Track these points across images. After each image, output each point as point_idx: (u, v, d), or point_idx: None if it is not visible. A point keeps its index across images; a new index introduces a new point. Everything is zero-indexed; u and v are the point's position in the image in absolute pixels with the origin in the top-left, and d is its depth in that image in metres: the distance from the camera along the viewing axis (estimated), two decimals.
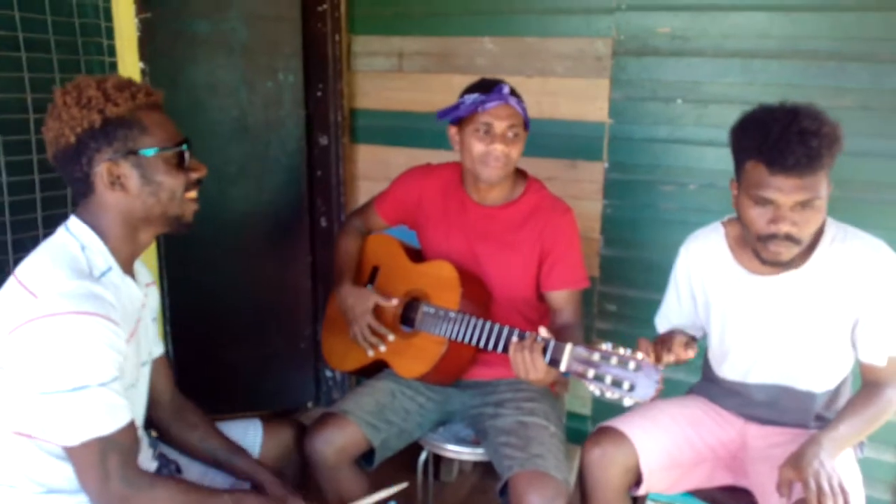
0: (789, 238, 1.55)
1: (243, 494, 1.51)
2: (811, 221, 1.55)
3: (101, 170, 1.34)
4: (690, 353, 1.70)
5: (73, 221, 1.39)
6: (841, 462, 1.59)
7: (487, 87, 1.88)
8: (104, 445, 1.28)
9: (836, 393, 1.78)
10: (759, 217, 1.57)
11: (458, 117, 1.92)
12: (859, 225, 1.72)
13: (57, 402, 1.25)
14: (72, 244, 1.36)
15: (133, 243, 1.43)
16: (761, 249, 1.61)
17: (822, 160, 1.50)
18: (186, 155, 1.42)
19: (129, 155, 1.35)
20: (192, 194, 1.45)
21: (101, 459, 1.29)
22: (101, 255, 1.37)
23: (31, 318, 1.25)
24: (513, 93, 1.88)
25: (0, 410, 1.33)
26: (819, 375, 1.74)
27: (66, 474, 1.35)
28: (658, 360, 1.66)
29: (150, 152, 1.36)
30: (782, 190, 1.52)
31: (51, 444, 1.33)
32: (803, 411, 1.77)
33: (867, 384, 1.70)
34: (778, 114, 1.54)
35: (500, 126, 1.85)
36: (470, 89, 1.92)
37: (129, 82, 1.38)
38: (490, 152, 1.86)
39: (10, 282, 1.33)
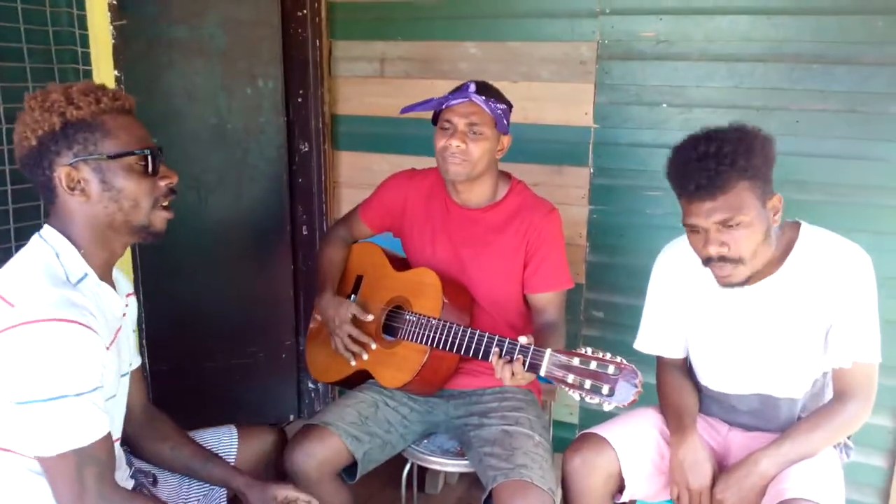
0: (724, 259, 1.57)
1: None
2: (741, 240, 1.54)
3: (59, 173, 1.31)
4: None
5: (46, 229, 1.36)
6: (818, 466, 1.60)
7: (459, 88, 1.91)
8: (80, 458, 1.25)
9: (818, 394, 1.77)
10: (695, 243, 1.61)
11: (434, 116, 1.96)
12: (845, 228, 1.72)
13: (33, 411, 1.21)
14: (46, 252, 1.33)
15: (106, 250, 1.39)
16: (713, 275, 1.63)
17: (727, 178, 1.50)
18: (150, 160, 1.36)
19: (89, 159, 1.31)
20: (164, 203, 1.41)
21: (78, 473, 1.25)
22: (75, 262, 1.34)
23: (8, 325, 1.21)
24: (483, 91, 1.88)
25: None
26: (799, 382, 1.74)
27: (45, 490, 1.31)
28: None
29: (108, 156, 1.32)
30: (699, 215, 1.55)
31: (29, 458, 1.29)
32: (787, 417, 1.76)
33: (835, 396, 1.70)
34: (687, 142, 1.58)
35: (460, 122, 1.87)
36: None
37: (97, 87, 1.35)
38: (447, 147, 1.87)
39: None
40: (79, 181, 1.32)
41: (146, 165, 1.36)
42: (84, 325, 1.24)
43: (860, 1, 2.13)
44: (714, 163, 1.50)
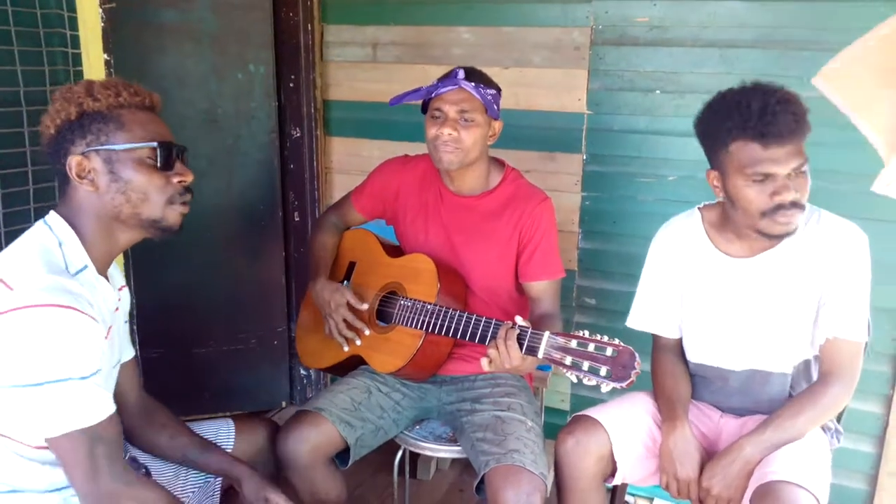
0: (795, 205, 1.57)
1: None
2: (806, 186, 1.60)
3: (71, 161, 1.33)
4: None
5: (52, 216, 1.37)
6: (805, 450, 1.62)
7: (448, 74, 1.89)
8: (90, 437, 1.26)
9: (809, 374, 1.78)
10: (759, 194, 1.58)
11: (423, 105, 1.95)
12: (839, 215, 1.72)
13: (36, 394, 1.22)
14: (49, 239, 1.34)
15: (109, 243, 1.40)
16: (769, 225, 1.60)
17: (806, 124, 1.55)
18: (160, 155, 1.37)
19: (100, 149, 1.33)
20: (180, 199, 1.42)
21: (89, 453, 1.26)
22: (77, 253, 1.35)
23: (7, 308, 1.22)
24: (472, 77, 1.87)
25: None
26: (791, 355, 1.75)
27: (34, 475, 1.32)
28: None
29: (118, 147, 1.34)
30: (778, 161, 1.54)
31: (20, 444, 1.30)
32: (778, 394, 1.78)
33: (819, 377, 1.71)
34: (750, 92, 1.58)
35: (451, 110, 1.86)
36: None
37: (119, 82, 1.38)
38: (439, 136, 1.86)
39: None
40: (89, 171, 1.34)
41: (157, 160, 1.37)
42: (81, 311, 1.24)
43: None
44: (798, 108, 1.54)
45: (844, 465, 2.28)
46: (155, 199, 1.38)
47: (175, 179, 1.40)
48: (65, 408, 1.24)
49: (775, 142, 1.53)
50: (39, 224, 1.36)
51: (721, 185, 1.66)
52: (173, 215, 1.41)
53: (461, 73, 1.86)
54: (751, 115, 1.54)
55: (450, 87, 1.85)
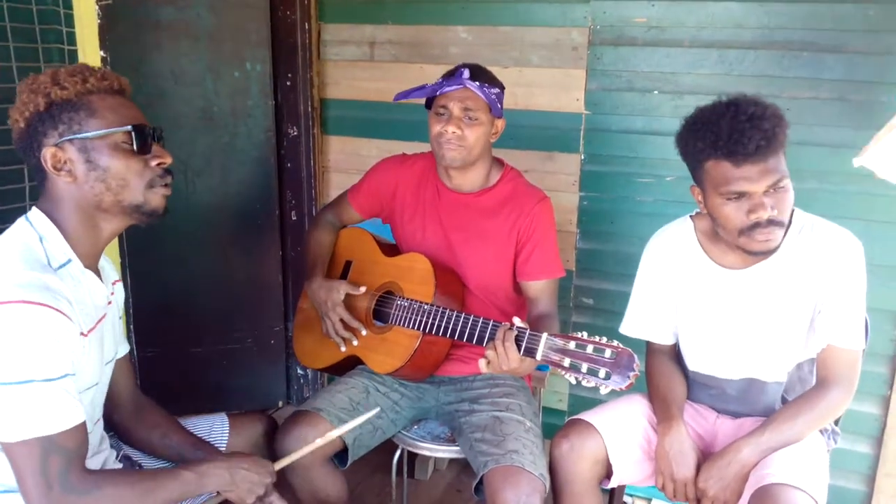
0: (772, 222, 1.55)
1: (208, 465, 1.44)
2: (785, 201, 1.57)
3: (45, 153, 1.30)
4: None
5: (34, 212, 1.34)
6: (802, 452, 1.61)
7: (452, 73, 1.90)
8: (45, 447, 1.20)
9: (805, 379, 1.78)
10: (735, 212, 1.57)
11: (427, 101, 1.95)
12: (835, 216, 1.72)
13: None
14: (30, 235, 1.31)
15: (93, 235, 1.37)
16: (747, 243, 1.59)
17: (778, 139, 1.53)
18: (135, 138, 1.33)
19: (74, 139, 1.30)
20: (161, 184, 1.38)
21: (42, 463, 1.20)
22: (59, 247, 1.32)
23: None
24: (477, 76, 1.88)
25: None
26: (787, 365, 1.75)
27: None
28: None
29: (92, 134, 1.30)
30: (751, 179, 1.53)
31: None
32: (773, 401, 1.78)
33: (817, 382, 1.71)
34: (720, 109, 1.56)
35: (455, 108, 1.86)
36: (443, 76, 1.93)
37: (86, 68, 1.34)
38: (443, 133, 1.87)
39: None
40: (65, 162, 1.31)
41: (133, 144, 1.34)
42: (55, 308, 1.21)
43: None
44: (769, 123, 1.51)
45: (842, 466, 2.28)
46: (135, 183, 1.34)
47: (153, 162, 1.37)
48: (23, 413, 1.18)
49: (746, 160, 1.51)
50: (20, 220, 1.34)
51: (703, 201, 1.66)
52: (155, 199, 1.38)
53: (466, 73, 1.86)
54: (720, 135, 1.53)
55: (455, 86, 1.86)
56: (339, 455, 1.87)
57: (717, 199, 1.58)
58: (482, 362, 1.64)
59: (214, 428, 1.70)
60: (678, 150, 1.68)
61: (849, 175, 2.19)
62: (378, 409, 1.77)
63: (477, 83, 1.85)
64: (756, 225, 1.55)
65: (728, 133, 1.51)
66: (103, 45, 2.39)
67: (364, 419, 1.66)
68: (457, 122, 1.85)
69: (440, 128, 1.87)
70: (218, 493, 1.49)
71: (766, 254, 1.64)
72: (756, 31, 2.24)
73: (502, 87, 1.94)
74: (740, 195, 1.54)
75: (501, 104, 1.92)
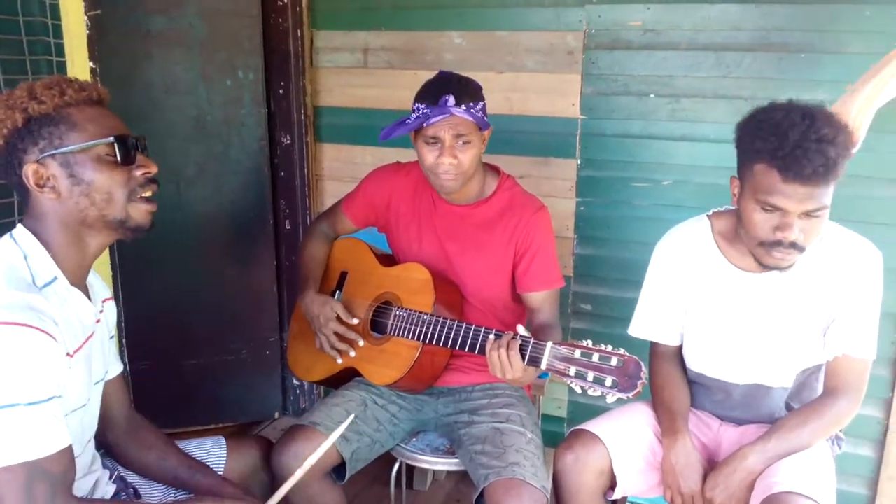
0: (794, 246, 1.51)
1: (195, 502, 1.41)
2: (815, 230, 1.52)
3: (27, 171, 1.26)
4: None
5: (19, 229, 1.31)
6: (809, 459, 1.60)
7: (434, 98, 1.79)
8: (30, 472, 1.15)
9: (810, 385, 1.76)
10: (763, 222, 1.52)
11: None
12: (835, 218, 1.67)
13: None
14: (14, 253, 1.27)
15: (80, 252, 1.33)
16: (762, 255, 1.56)
17: (837, 170, 1.46)
18: (118, 149, 1.30)
19: (55, 153, 1.26)
20: (145, 194, 1.34)
21: (26, 489, 1.15)
22: (44, 265, 1.29)
23: None
24: (461, 99, 1.78)
25: None
26: (795, 372, 1.73)
27: None
28: None
29: (74, 148, 1.27)
30: (793, 198, 1.47)
31: None
32: (777, 407, 1.77)
33: (826, 391, 1.69)
34: (795, 116, 1.47)
35: (447, 138, 1.79)
36: (418, 96, 1.84)
37: (63, 80, 1.29)
38: (439, 164, 1.81)
39: None
40: (47, 178, 1.27)
41: (119, 155, 1.30)
42: (40, 329, 1.17)
43: None
44: (833, 150, 1.43)
45: (845, 470, 2.26)
46: (118, 196, 1.31)
47: (138, 172, 1.33)
48: (7, 437, 1.14)
49: (797, 180, 1.44)
50: (5, 238, 1.30)
51: (737, 195, 1.61)
52: (139, 214, 1.34)
53: (451, 100, 1.77)
54: (783, 144, 1.45)
55: (442, 116, 1.77)
56: (337, 469, 1.85)
57: (752, 202, 1.53)
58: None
59: (213, 450, 1.66)
60: (735, 137, 1.60)
61: (848, 177, 2.16)
62: (353, 417, 1.72)
63: (463, 107, 1.78)
64: (778, 243, 1.51)
65: (792, 147, 1.43)
66: (92, 56, 2.36)
67: (344, 427, 1.60)
68: (450, 151, 1.80)
69: (434, 159, 1.81)
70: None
71: (772, 269, 1.61)
72: (753, 34, 2.22)
73: (482, 96, 1.86)
74: (775, 209, 1.50)
75: (486, 113, 1.86)
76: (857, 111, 1.79)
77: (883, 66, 1.81)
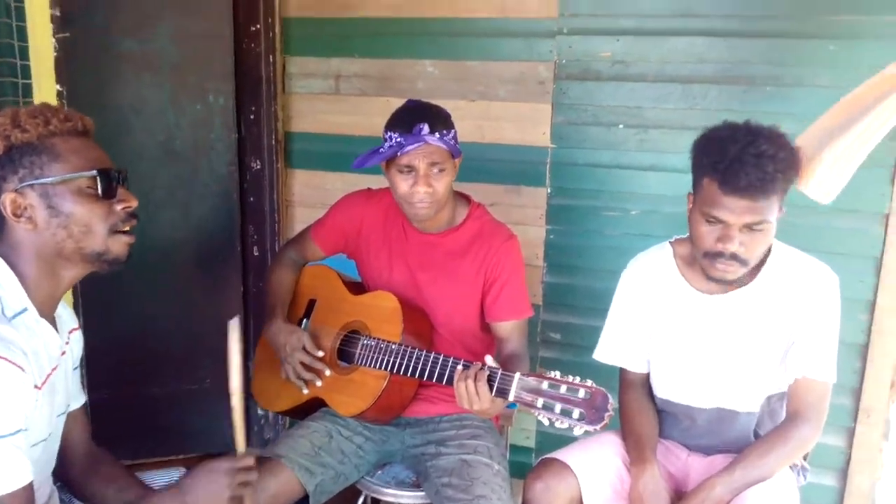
0: (735, 258, 1.57)
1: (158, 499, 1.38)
2: (758, 243, 1.57)
3: (4, 199, 1.24)
4: None
5: None
6: (774, 489, 1.61)
7: (408, 126, 1.78)
8: None
9: (776, 412, 1.78)
10: (707, 234, 1.58)
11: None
12: (801, 248, 1.73)
13: None
14: None
15: (52, 283, 1.31)
16: (707, 266, 1.62)
17: (776, 184, 1.52)
18: (100, 183, 1.28)
19: (35, 184, 1.24)
20: (123, 228, 1.32)
21: None
22: (15, 296, 1.25)
23: None
24: (435, 128, 1.78)
25: None
26: (759, 395, 1.75)
27: None
28: None
29: (55, 179, 1.24)
30: (733, 210, 1.53)
31: None
32: (744, 434, 1.77)
33: (788, 417, 1.71)
34: (739, 133, 1.55)
35: (422, 166, 1.79)
36: (390, 124, 1.83)
37: (46, 108, 1.28)
38: (414, 193, 1.81)
39: None
40: (25, 208, 1.25)
41: (97, 188, 1.28)
42: (9, 360, 1.14)
43: (812, 25, 2.16)
44: (772, 166, 1.50)
45: (809, 500, 2.24)
46: (98, 230, 1.29)
47: (118, 206, 1.31)
48: None
49: (734, 192, 1.51)
50: None
51: (689, 210, 1.67)
52: (117, 246, 1.32)
53: (425, 129, 1.76)
54: (723, 158, 1.52)
55: (417, 144, 1.77)
56: (301, 503, 1.80)
57: (699, 214, 1.59)
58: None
59: (173, 482, 1.61)
60: (690, 155, 1.66)
61: (813, 208, 2.19)
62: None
63: (437, 135, 1.77)
64: (720, 254, 1.57)
65: (731, 161, 1.51)
66: (60, 78, 2.31)
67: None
68: (425, 179, 1.79)
69: (408, 188, 1.81)
70: None
71: (735, 283, 1.65)
72: (718, 66, 2.26)
73: (453, 123, 1.86)
74: (717, 221, 1.55)
75: (457, 141, 1.86)
76: (836, 156, 1.70)
77: (870, 106, 1.71)
